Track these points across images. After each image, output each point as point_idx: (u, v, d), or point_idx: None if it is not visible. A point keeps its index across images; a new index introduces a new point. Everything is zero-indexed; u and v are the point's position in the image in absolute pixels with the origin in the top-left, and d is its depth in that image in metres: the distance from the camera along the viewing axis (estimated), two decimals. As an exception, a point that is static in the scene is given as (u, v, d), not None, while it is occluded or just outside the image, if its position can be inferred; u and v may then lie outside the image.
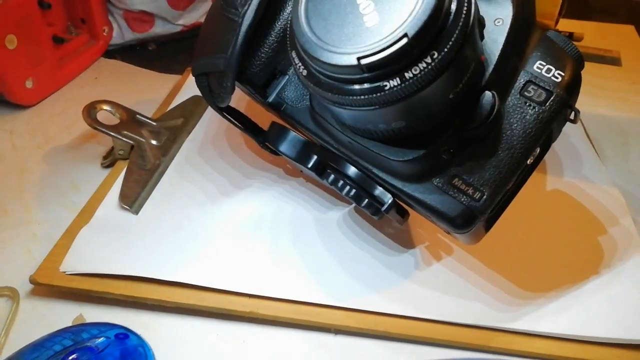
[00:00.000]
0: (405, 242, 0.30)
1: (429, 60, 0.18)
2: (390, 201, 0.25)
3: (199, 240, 0.30)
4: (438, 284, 0.28)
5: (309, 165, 0.27)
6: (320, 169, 0.27)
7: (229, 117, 0.29)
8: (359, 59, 0.18)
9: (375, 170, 0.24)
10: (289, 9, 0.26)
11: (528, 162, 0.23)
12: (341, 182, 0.26)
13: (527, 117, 0.22)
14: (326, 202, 0.32)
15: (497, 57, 0.22)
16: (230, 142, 0.38)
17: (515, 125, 0.22)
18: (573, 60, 0.23)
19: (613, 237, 0.30)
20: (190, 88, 0.44)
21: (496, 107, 0.22)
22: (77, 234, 0.30)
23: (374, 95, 0.19)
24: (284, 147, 0.27)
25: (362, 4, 0.19)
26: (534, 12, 0.24)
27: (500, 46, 0.22)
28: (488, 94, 0.22)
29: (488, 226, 0.24)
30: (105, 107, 0.36)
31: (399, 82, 0.18)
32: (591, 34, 0.56)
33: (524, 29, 0.23)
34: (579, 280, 0.28)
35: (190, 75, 0.45)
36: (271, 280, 0.27)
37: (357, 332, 0.26)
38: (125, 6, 0.49)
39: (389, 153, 0.23)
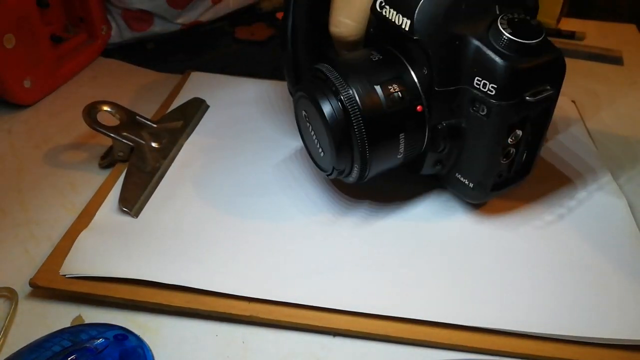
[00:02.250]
0: (404, 243, 0.30)
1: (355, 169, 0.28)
2: None
3: (199, 244, 0.30)
4: (437, 286, 0.28)
5: None
6: None
7: None
8: (327, 175, 0.30)
9: None
10: None
11: (509, 141, 0.27)
12: None
13: (484, 126, 0.27)
14: (327, 206, 0.32)
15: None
16: (230, 145, 0.38)
17: (478, 131, 0.27)
18: (505, 61, 0.25)
19: (614, 237, 0.30)
20: (190, 89, 0.43)
21: (446, 140, 0.28)
22: (76, 236, 0.29)
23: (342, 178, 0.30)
24: None
25: (317, 148, 0.30)
26: (455, 29, 0.26)
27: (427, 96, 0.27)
28: (436, 131, 0.28)
29: (499, 188, 0.30)
30: (106, 107, 0.36)
31: (352, 178, 0.29)
32: (593, 33, 0.56)
33: (448, 61, 0.26)
34: (580, 282, 0.28)
35: (190, 76, 0.46)
36: (271, 284, 0.27)
37: (357, 335, 0.26)
38: (124, 5, 0.49)
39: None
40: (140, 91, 0.45)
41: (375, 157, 0.28)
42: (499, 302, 0.27)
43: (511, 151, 0.28)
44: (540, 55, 0.25)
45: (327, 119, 0.27)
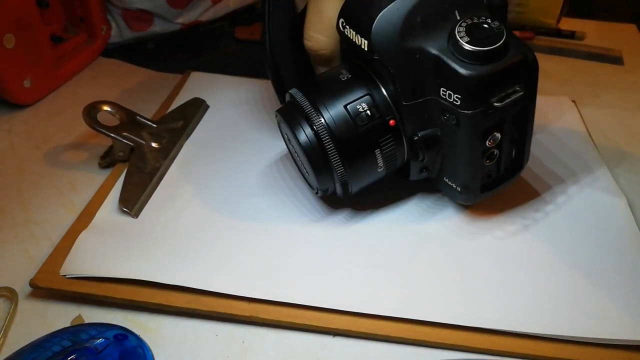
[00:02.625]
0: (404, 244, 0.30)
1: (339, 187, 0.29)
2: None
3: (199, 244, 0.30)
4: (438, 286, 0.28)
5: None
6: None
7: None
8: (315, 193, 0.31)
9: None
10: None
11: (488, 144, 0.27)
12: None
13: (458, 134, 0.27)
14: (326, 207, 0.32)
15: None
16: (230, 145, 0.38)
17: (453, 139, 0.27)
18: (466, 71, 0.24)
19: (614, 237, 0.30)
20: (190, 89, 0.43)
21: (424, 150, 0.28)
22: (77, 237, 0.29)
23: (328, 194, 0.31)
24: None
25: (302, 168, 0.31)
26: (415, 47, 0.26)
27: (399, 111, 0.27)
28: (413, 142, 0.28)
29: (490, 188, 0.30)
30: (106, 107, 0.36)
31: (339, 194, 0.30)
32: (593, 32, 0.56)
33: (411, 75, 0.26)
34: (580, 282, 0.28)
35: (190, 76, 0.46)
36: (271, 284, 0.27)
37: (357, 335, 0.26)
38: (124, 5, 0.49)
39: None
40: (140, 91, 0.45)
41: (354, 176, 0.28)
42: (499, 302, 0.27)
43: (494, 152, 0.28)
44: (503, 59, 0.25)
45: (303, 146, 0.27)
